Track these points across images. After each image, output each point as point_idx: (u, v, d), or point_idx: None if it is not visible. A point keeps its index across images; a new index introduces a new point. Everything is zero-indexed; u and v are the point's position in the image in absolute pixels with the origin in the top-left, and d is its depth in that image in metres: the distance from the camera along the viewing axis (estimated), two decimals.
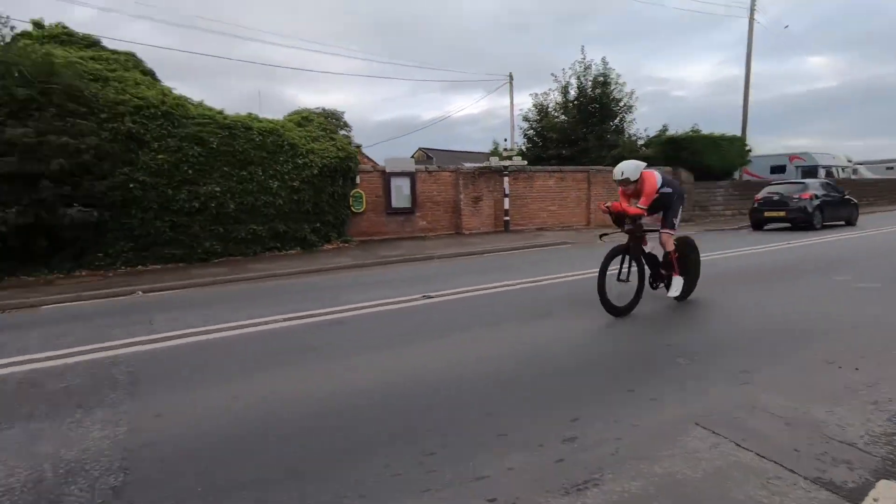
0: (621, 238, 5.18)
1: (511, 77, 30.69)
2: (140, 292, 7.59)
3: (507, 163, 15.80)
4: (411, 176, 14.80)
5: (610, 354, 4.08)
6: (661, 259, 5.38)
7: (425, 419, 2.86)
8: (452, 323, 5.11)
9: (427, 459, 2.42)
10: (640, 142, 22.45)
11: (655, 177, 5.09)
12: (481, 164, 16.10)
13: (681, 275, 5.34)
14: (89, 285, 8.11)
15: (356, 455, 2.51)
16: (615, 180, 5.10)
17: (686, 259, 5.50)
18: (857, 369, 3.52)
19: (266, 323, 5.23)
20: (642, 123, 60.19)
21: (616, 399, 3.07)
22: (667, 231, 5.24)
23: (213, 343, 4.65)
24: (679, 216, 5.35)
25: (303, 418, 2.93)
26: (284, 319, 5.35)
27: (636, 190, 5.07)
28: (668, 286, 5.37)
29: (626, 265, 5.02)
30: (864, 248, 10.30)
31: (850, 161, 32.58)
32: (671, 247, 5.25)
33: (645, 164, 5.16)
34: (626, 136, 22.77)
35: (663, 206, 5.26)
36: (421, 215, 15.05)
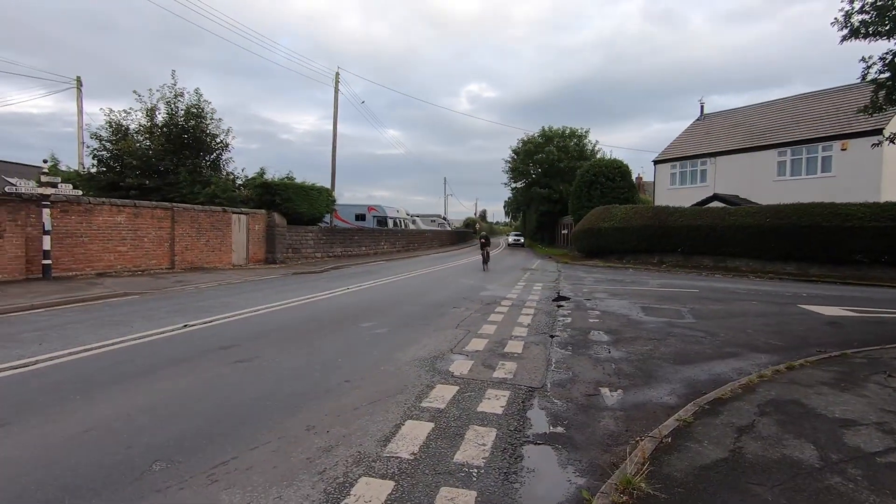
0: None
1: (79, 82, 26.11)
2: None
3: (48, 190, 12.02)
4: None
5: (59, 479, 2.94)
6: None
7: None
8: None
9: None
10: (239, 181, 22.02)
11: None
12: (8, 189, 11.91)
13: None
14: None
15: None
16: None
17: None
18: (328, 431, 3.71)
19: None
20: (251, 160, 61.86)
21: None
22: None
23: None
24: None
25: None
26: None
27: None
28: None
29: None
30: (399, 293, 12.06)
31: (408, 214, 43.22)
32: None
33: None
34: (224, 174, 21.61)
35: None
36: None
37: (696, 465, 3.12)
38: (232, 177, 21.90)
